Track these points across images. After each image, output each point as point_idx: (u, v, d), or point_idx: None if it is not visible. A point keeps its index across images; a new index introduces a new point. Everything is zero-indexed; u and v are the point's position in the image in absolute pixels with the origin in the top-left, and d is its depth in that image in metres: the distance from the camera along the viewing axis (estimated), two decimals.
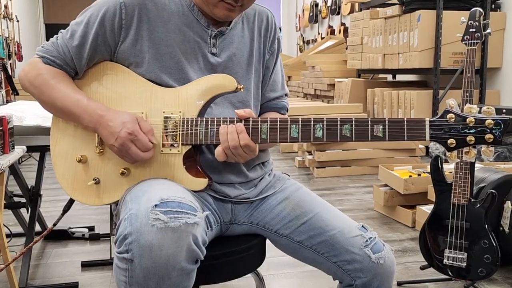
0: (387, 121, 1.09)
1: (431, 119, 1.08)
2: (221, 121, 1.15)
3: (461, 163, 1.76)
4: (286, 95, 1.43)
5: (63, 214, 1.38)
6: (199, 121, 1.16)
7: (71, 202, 1.35)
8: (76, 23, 1.23)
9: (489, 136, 1.05)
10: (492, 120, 1.04)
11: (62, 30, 1.24)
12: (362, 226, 1.22)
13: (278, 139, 1.14)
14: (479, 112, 1.06)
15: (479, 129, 1.05)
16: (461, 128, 1.06)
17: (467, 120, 1.05)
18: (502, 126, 1.04)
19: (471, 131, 1.05)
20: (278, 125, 1.13)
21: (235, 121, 1.14)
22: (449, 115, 1.07)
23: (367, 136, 1.10)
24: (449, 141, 1.07)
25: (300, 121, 1.13)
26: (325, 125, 1.12)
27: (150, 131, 1.15)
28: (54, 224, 1.37)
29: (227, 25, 1.28)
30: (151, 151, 1.15)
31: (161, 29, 1.20)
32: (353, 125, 1.10)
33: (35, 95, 1.23)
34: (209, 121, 1.16)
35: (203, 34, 1.24)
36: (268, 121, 1.14)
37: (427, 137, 1.08)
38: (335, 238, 1.19)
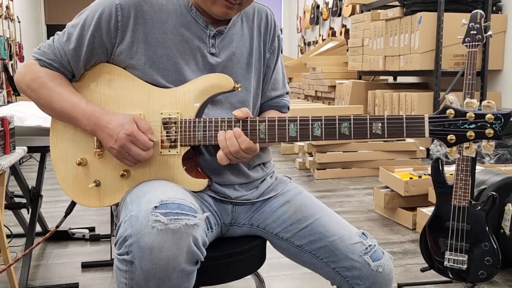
0: (385, 118, 1.08)
1: (431, 115, 1.07)
2: (219, 122, 1.15)
3: (462, 165, 1.76)
4: (287, 93, 1.43)
5: (65, 217, 1.38)
6: (197, 122, 1.16)
7: (73, 204, 1.35)
8: (72, 26, 1.22)
9: (489, 131, 1.03)
10: (492, 114, 1.03)
11: (58, 32, 1.24)
12: (363, 233, 1.22)
13: (276, 138, 1.13)
14: (479, 106, 1.05)
15: (479, 124, 1.04)
16: (461, 124, 1.05)
17: (467, 115, 1.04)
18: (503, 120, 1.02)
19: (471, 126, 1.04)
20: (276, 125, 1.13)
21: (233, 122, 1.14)
22: (448, 111, 1.05)
23: (365, 134, 1.09)
24: (449, 137, 1.06)
25: (298, 120, 1.12)
26: (323, 124, 1.11)
27: (148, 129, 1.15)
28: (57, 227, 1.37)
29: (226, 24, 1.27)
30: (151, 150, 1.15)
31: (158, 30, 1.20)
32: (352, 123, 1.10)
33: (33, 98, 1.22)
34: (207, 122, 1.16)
35: (201, 34, 1.23)
36: (266, 121, 1.13)
37: (427, 134, 1.07)
38: (335, 244, 1.19)
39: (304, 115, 1.13)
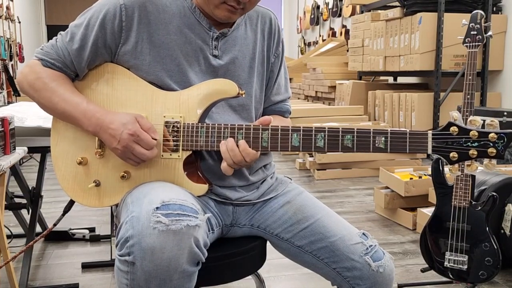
0: (389, 133, 1.08)
1: (434, 132, 1.06)
2: (222, 128, 1.15)
3: (462, 166, 1.76)
4: (288, 97, 1.43)
5: (63, 215, 1.38)
6: (199, 127, 1.16)
7: (71, 203, 1.35)
8: (75, 25, 1.21)
9: (491, 150, 1.03)
10: (496, 133, 1.03)
11: (61, 32, 1.23)
12: (363, 233, 1.22)
13: (279, 147, 1.14)
14: (483, 125, 1.05)
15: (482, 142, 1.03)
16: (463, 142, 1.05)
17: (470, 133, 1.04)
18: (506, 140, 1.02)
19: (474, 144, 1.04)
20: (279, 134, 1.13)
21: (236, 129, 1.14)
22: (452, 128, 1.05)
23: (368, 148, 1.09)
24: (451, 155, 1.06)
25: (301, 130, 1.12)
26: (326, 135, 1.11)
27: (150, 128, 1.15)
28: (55, 224, 1.37)
29: (230, 26, 1.27)
30: (155, 149, 1.15)
31: (161, 31, 1.19)
32: (355, 136, 1.10)
33: (35, 99, 1.22)
34: (210, 127, 1.16)
35: (204, 36, 1.23)
36: (269, 130, 1.13)
37: (429, 150, 1.07)
38: (335, 244, 1.19)
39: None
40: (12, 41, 8.39)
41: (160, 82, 1.20)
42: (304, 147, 1.13)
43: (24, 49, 9.16)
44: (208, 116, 1.22)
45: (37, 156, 3.37)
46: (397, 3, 4.91)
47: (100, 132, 1.16)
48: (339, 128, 1.11)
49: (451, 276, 1.85)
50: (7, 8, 8.20)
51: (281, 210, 1.27)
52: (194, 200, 1.11)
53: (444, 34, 4.43)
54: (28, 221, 2.27)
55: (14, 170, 2.19)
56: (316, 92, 6.72)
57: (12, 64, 8.13)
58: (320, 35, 9.40)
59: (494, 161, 1.04)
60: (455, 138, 1.05)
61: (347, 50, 6.74)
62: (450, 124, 1.06)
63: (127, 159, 1.16)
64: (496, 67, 4.61)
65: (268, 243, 1.33)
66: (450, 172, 1.09)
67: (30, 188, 2.26)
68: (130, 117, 1.14)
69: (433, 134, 1.06)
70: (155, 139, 1.14)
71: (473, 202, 1.80)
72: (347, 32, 7.88)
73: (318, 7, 9.41)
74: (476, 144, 1.04)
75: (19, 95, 5.06)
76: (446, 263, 1.84)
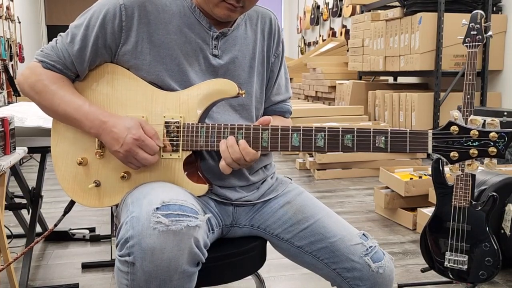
0: (389, 132, 1.08)
1: (434, 131, 1.06)
2: (222, 127, 1.15)
3: (462, 166, 1.76)
4: (289, 97, 1.43)
5: (64, 215, 1.38)
6: (199, 127, 1.16)
7: (72, 203, 1.35)
8: (75, 26, 1.21)
9: (492, 149, 1.03)
10: (496, 133, 1.03)
11: (61, 34, 1.23)
12: (363, 234, 1.22)
13: (279, 147, 1.13)
14: (484, 124, 1.05)
15: (482, 142, 1.03)
16: (464, 141, 1.05)
17: (471, 132, 1.04)
18: (506, 139, 1.02)
19: (474, 143, 1.04)
20: (279, 134, 1.13)
21: (236, 129, 1.14)
22: (452, 127, 1.05)
23: (369, 147, 1.09)
24: (451, 154, 1.06)
25: (301, 130, 1.12)
26: (326, 135, 1.11)
27: (155, 134, 1.15)
28: (55, 225, 1.36)
29: (230, 26, 1.27)
30: (157, 155, 1.15)
31: (161, 31, 1.19)
32: (355, 136, 1.09)
33: (36, 101, 1.21)
34: (210, 127, 1.15)
35: (204, 35, 1.23)
36: (269, 129, 1.13)
37: (430, 150, 1.07)
38: (335, 245, 1.19)
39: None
40: (12, 41, 8.39)
41: (161, 82, 1.20)
42: (304, 147, 1.13)
43: (24, 49, 9.16)
44: (209, 115, 1.22)
45: (37, 156, 3.37)
46: (397, 3, 4.91)
47: (102, 135, 1.15)
48: (339, 128, 1.11)
49: (451, 276, 1.85)
50: (7, 8, 8.20)
51: (281, 211, 1.27)
52: (194, 200, 1.11)
53: (444, 34, 4.43)
54: (28, 221, 2.27)
55: (14, 170, 2.19)
56: (316, 92, 6.72)
57: (12, 64, 8.13)
58: (320, 35, 9.40)
59: (494, 161, 1.04)
60: (456, 137, 1.05)
61: (347, 50, 6.74)
62: (451, 124, 1.06)
63: (128, 163, 1.16)
64: (496, 67, 4.61)
65: (268, 243, 1.33)
66: (450, 172, 1.09)
67: (30, 188, 2.26)
68: (134, 122, 1.14)
69: (433, 134, 1.06)
70: (159, 145, 1.15)
71: (473, 202, 1.80)
72: (347, 32, 7.88)
73: (318, 7, 9.41)
74: (476, 143, 1.04)
75: (19, 95, 5.06)
76: (446, 263, 1.84)
